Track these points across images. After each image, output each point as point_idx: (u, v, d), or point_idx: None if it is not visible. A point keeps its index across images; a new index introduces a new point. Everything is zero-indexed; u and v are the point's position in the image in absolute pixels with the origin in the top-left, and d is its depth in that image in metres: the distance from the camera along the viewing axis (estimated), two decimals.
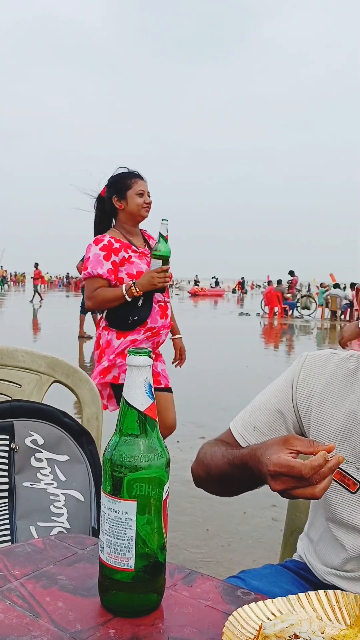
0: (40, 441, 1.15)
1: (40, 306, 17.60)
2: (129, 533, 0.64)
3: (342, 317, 18.89)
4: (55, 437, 1.16)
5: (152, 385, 0.67)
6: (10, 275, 59.29)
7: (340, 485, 0.93)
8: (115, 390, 2.56)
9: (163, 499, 0.66)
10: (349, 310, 18.67)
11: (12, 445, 1.13)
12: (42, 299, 18.71)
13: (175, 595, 0.70)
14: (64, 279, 64.18)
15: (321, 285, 23.00)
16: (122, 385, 2.45)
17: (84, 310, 10.29)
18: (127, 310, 2.49)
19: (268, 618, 0.64)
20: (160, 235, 2.44)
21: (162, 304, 2.57)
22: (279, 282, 20.97)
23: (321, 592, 0.68)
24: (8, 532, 1.03)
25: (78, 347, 9.44)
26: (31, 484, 1.10)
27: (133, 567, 0.65)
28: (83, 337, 10.31)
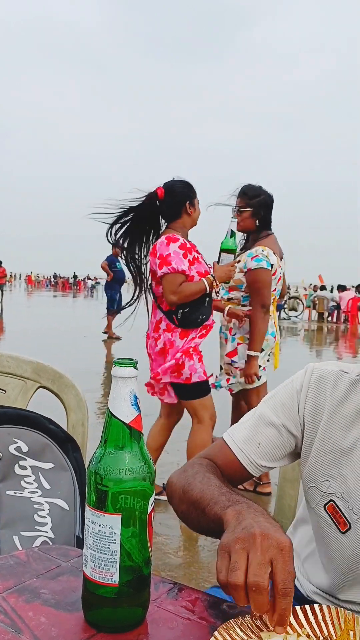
0: (25, 449, 1.13)
1: (1, 309, 17.10)
2: (113, 547, 0.63)
3: (330, 318, 19.00)
4: (40, 445, 1.14)
5: (137, 397, 0.66)
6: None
7: (332, 521, 0.89)
8: (179, 389, 2.78)
9: (148, 512, 0.65)
10: (335, 312, 18.79)
11: None
12: (1, 301, 18.08)
13: (160, 609, 0.69)
14: (51, 279, 63.92)
15: (314, 287, 23.11)
16: (190, 385, 2.51)
17: (110, 311, 10.42)
18: (196, 309, 2.72)
19: (254, 634, 0.63)
20: (232, 231, 2.67)
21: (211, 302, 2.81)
22: None
23: (307, 606, 0.67)
24: None
25: (105, 349, 9.46)
26: (15, 493, 1.08)
27: (117, 582, 0.64)
28: (112, 337, 10.35)
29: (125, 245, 2.77)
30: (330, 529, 0.90)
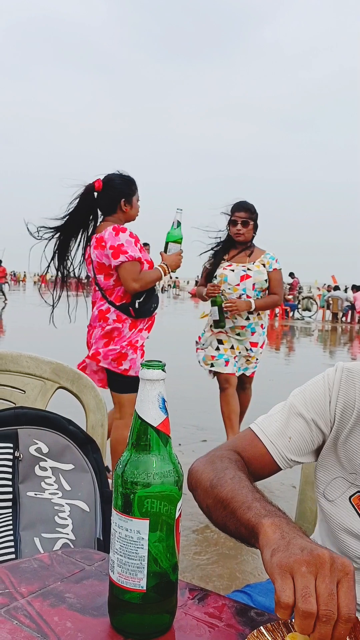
0: (45, 449, 1.13)
1: (4, 307, 17.14)
2: (140, 553, 0.62)
3: (344, 318, 18.87)
4: (60, 446, 1.14)
5: (166, 399, 0.65)
6: (10, 275, 59.30)
7: (356, 512, 0.89)
8: (113, 378, 2.79)
9: (176, 517, 0.64)
10: (350, 312, 18.66)
11: (16, 454, 1.10)
12: (6, 299, 18.16)
13: (187, 615, 0.68)
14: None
15: (327, 287, 22.98)
16: (126, 377, 2.43)
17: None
18: (149, 298, 2.77)
19: None
20: (178, 222, 2.77)
21: None
22: None
23: None
24: (12, 543, 1.01)
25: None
26: (35, 494, 1.08)
27: (145, 588, 0.63)
28: None
29: (59, 240, 2.83)
30: (353, 521, 0.89)
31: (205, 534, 2.62)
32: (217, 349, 3.72)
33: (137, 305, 2.75)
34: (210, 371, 3.79)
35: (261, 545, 0.68)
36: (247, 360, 3.77)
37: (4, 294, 18.60)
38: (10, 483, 1.07)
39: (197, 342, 3.89)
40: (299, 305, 20.70)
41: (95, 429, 1.32)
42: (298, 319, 19.68)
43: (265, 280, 3.61)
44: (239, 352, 3.72)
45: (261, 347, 3.78)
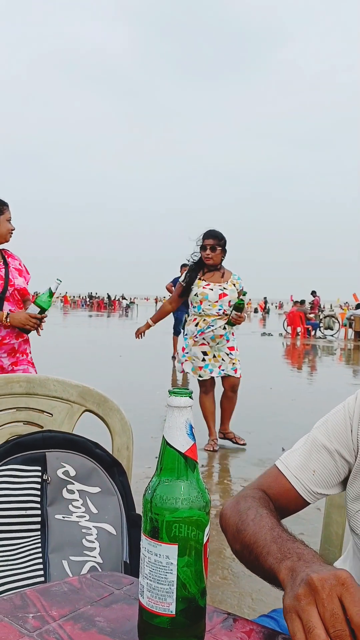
0: (72, 472, 1.15)
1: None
2: (169, 577, 0.63)
3: None
4: (87, 469, 1.16)
5: (193, 425, 0.66)
6: (34, 296, 59.98)
7: None
8: None
9: (204, 542, 0.65)
10: None
11: (44, 477, 1.13)
12: None
13: None
14: (87, 299, 64.74)
15: (347, 306, 22.79)
16: None
17: (177, 332, 10.79)
18: None
19: None
20: (50, 290, 2.87)
21: None
22: (302, 302, 20.86)
23: None
24: (41, 566, 1.03)
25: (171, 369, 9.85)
26: (63, 517, 1.10)
27: (174, 612, 0.64)
28: (175, 357, 10.75)
29: None
30: None
31: (225, 555, 2.60)
32: (203, 359, 4.46)
33: None
34: (182, 364, 4.56)
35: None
36: (232, 363, 4.52)
37: None
38: (39, 506, 1.09)
39: (179, 352, 4.58)
40: (321, 324, 20.55)
41: (121, 452, 1.34)
42: (320, 337, 19.53)
43: (236, 298, 4.40)
44: (222, 359, 4.49)
45: (237, 350, 4.59)
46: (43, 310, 2.88)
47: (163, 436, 0.66)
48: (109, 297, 54.76)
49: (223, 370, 4.48)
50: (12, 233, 2.97)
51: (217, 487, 3.59)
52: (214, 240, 4.36)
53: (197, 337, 4.42)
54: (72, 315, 34.83)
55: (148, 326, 4.60)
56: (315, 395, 7.72)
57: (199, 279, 4.42)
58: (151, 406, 5.70)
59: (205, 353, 4.44)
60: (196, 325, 4.43)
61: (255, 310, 51.13)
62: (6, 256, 3.04)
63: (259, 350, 12.80)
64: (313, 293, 21.92)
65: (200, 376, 4.47)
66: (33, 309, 2.89)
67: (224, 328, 4.41)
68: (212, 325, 4.36)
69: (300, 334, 18.94)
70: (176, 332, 10.77)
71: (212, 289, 4.36)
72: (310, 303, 21.01)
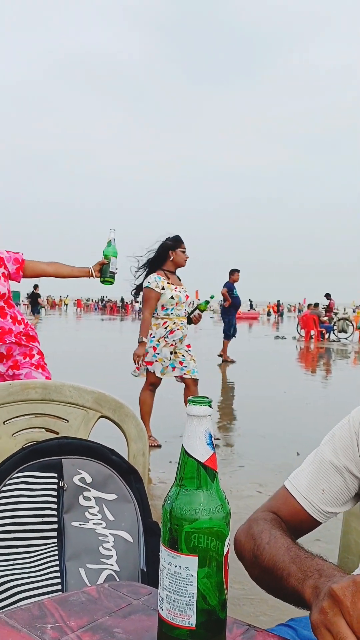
0: (89, 479, 1.14)
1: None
2: (189, 589, 0.62)
3: None
4: (103, 476, 1.15)
5: (213, 435, 0.66)
6: (47, 299, 60.47)
7: None
8: None
9: (224, 553, 0.64)
10: None
11: (61, 484, 1.12)
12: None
13: None
14: (99, 303, 64.95)
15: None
16: None
17: (228, 336, 11.15)
18: None
19: None
20: (109, 241, 3.13)
21: None
22: (316, 305, 20.75)
23: None
24: (58, 574, 1.02)
25: (221, 371, 9.92)
26: (80, 524, 1.09)
27: (194, 625, 0.63)
28: (227, 361, 10.96)
29: None
30: None
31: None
32: (170, 359, 4.66)
33: None
34: (138, 369, 4.65)
35: None
36: (193, 360, 4.74)
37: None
38: (55, 513, 1.09)
39: (147, 355, 4.60)
40: (335, 327, 20.41)
41: (137, 458, 1.33)
42: (334, 340, 19.41)
43: None
44: (182, 356, 4.71)
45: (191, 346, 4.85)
46: (108, 258, 3.10)
47: (182, 446, 0.65)
48: (122, 300, 54.93)
49: (185, 367, 4.69)
50: None
51: (230, 493, 3.57)
52: (183, 245, 4.73)
53: (167, 338, 4.61)
54: (85, 319, 34.96)
55: (144, 345, 4.58)
56: (329, 398, 7.67)
57: (168, 282, 4.64)
58: (164, 412, 5.69)
59: (172, 352, 4.68)
60: (165, 327, 4.63)
61: (269, 314, 50.94)
62: None
63: (272, 353, 12.75)
64: (327, 296, 21.79)
65: (163, 374, 4.66)
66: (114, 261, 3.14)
67: (186, 327, 4.78)
68: (182, 326, 4.68)
69: (314, 337, 18.83)
70: (228, 337, 11.12)
71: (180, 292, 4.67)
72: (324, 307, 20.88)
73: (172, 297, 4.59)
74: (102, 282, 3.13)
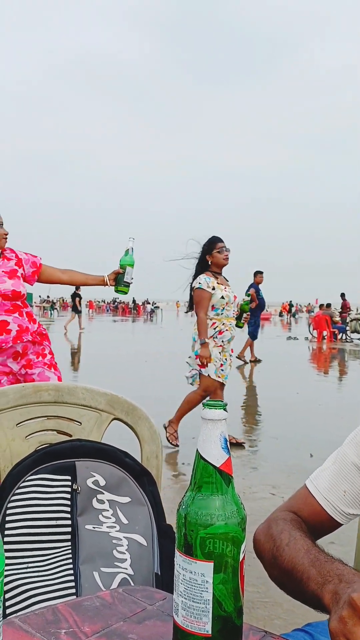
0: (102, 482, 1.14)
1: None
2: (205, 596, 0.62)
3: None
4: (116, 478, 1.15)
5: (228, 439, 0.65)
6: (60, 301, 60.78)
7: None
8: None
9: (240, 559, 0.64)
10: None
11: (74, 486, 1.12)
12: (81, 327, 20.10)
13: None
14: (112, 304, 65.15)
15: None
16: None
17: (254, 337, 11.50)
18: None
19: None
20: (127, 250, 3.06)
21: None
22: (328, 305, 20.62)
23: None
24: (72, 577, 1.02)
25: (249, 370, 10.07)
26: (93, 527, 1.09)
27: (210, 632, 0.62)
28: (253, 360, 11.36)
29: None
30: None
31: (256, 566, 2.56)
32: (220, 359, 4.52)
33: None
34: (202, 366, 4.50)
35: None
36: (230, 365, 4.63)
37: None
38: (69, 516, 1.08)
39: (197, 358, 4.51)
40: (348, 327, 20.28)
41: (150, 461, 1.33)
42: (347, 341, 19.28)
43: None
44: (225, 359, 4.57)
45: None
46: (123, 267, 3.06)
47: (197, 450, 0.65)
48: (134, 301, 55.08)
49: (223, 370, 4.57)
50: (5, 237, 2.89)
51: (244, 495, 3.55)
52: (224, 243, 4.62)
53: (216, 339, 4.50)
54: (97, 320, 35.06)
55: (207, 346, 4.48)
56: (342, 400, 7.61)
57: (218, 282, 4.54)
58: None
59: (220, 353, 4.54)
60: (214, 328, 4.51)
61: (280, 314, 50.76)
62: (1, 259, 2.89)
63: (284, 354, 12.68)
64: (342, 296, 21.66)
65: (219, 377, 4.51)
66: (130, 271, 3.10)
67: (234, 329, 4.67)
68: (230, 327, 4.55)
69: (326, 337, 18.72)
70: (254, 337, 11.40)
71: (229, 292, 4.56)
72: (338, 309, 20.74)
73: (222, 297, 4.49)
74: (116, 290, 3.10)
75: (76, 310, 21.11)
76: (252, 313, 11.36)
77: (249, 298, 4.86)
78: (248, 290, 10.89)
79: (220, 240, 4.63)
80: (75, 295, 20.65)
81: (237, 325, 4.70)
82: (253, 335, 11.48)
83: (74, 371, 9.37)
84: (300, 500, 0.93)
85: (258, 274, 11.26)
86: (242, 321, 4.77)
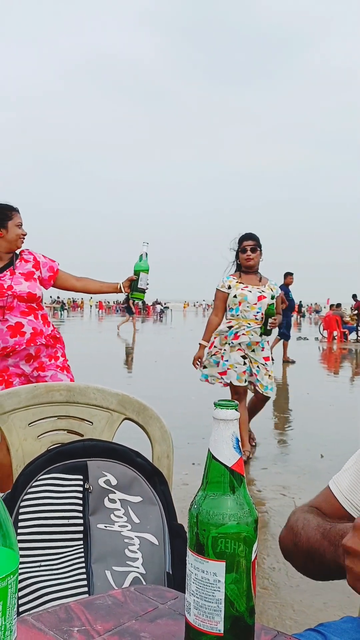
0: (114, 482, 1.14)
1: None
2: (217, 595, 0.62)
3: None
4: (128, 478, 1.15)
5: (240, 439, 0.65)
6: (69, 301, 61.01)
7: None
8: None
9: (252, 559, 0.64)
10: None
11: (86, 486, 1.12)
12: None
13: None
14: (121, 304, 65.28)
15: None
16: None
17: (286, 337, 11.57)
18: None
19: None
20: (140, 255, 2.98)
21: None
22: (338, 305, 20.53)
23: None
24: (84, 576, 1.02)
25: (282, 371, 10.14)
26: (105, 526, 1.09)
27: (222, 631, 0.62)
28: (287, 361, 11.43)
29: None
30: None
31: (268, 566, 2.57)
32: (244, 363, 4.26)
33: None
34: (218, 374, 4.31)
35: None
36: (268, 375, 4.34)
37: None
38: (81, 515, 1.09)
39: (218, 365, 4.33)
40: (359, 327, 20.17)
41: (161, 460, 1.33)
42: (357, 341, 19.18)
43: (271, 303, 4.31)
44: (257, 368, 4.31)
45: (272, 360, 4.48)
46: (137, 273, 3.00)
47: (209, 450, 0.65)
48: (143, 302, 55.22)
49: (258, 380, 4.32)
50: (23, 238, 2.89)
51: (255, 495, 3.55)
52: (253, 242, 4.38)
53: (232, 342, 4.26)
54: (107, 320, 35.14)
55: (203, 348, 4.41)
56: (352, 400, 7.58)
57: (237, 281, 4.37)
58: (186, 411, 5.69)
59: (244, 357, 4.28)
60: (229, 327, 4.31)
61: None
62: (19, 260, 2.92)
63: (294, 354, 12.63)
64: (354, 297, 21.56)
65: (244, 381, 4.28)
66: (144, 277, 3.05)
67: (260, 335, 4.29)
68: (249, 331, 4.24)
69: (336, 337, 18.64)
70: (287, 338, 11.42)
71: (250, 291, 4.27)
72: (353, 307, 20.63)
73: (235, 296, 4.27)
74: (131, 297, 3.07)
75: (130, 312, 21.41)
76: (283, 314, 11.38)
77: (272, 299, 4.37)
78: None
79: (246, 239, 4.40)
80: (128, 298, 20.94)
81: (262, 333, 4.28)
82: (285, 335, 11.46)
83: (129, 372, 9.45)
84: (322, 499, 0.97)
85: (288, 275, 11.20)
86: (267, 327, 4.25)
